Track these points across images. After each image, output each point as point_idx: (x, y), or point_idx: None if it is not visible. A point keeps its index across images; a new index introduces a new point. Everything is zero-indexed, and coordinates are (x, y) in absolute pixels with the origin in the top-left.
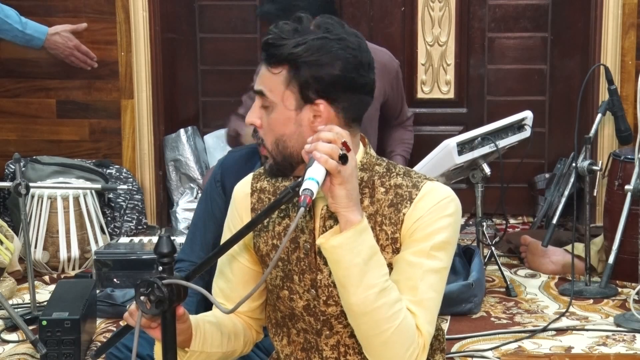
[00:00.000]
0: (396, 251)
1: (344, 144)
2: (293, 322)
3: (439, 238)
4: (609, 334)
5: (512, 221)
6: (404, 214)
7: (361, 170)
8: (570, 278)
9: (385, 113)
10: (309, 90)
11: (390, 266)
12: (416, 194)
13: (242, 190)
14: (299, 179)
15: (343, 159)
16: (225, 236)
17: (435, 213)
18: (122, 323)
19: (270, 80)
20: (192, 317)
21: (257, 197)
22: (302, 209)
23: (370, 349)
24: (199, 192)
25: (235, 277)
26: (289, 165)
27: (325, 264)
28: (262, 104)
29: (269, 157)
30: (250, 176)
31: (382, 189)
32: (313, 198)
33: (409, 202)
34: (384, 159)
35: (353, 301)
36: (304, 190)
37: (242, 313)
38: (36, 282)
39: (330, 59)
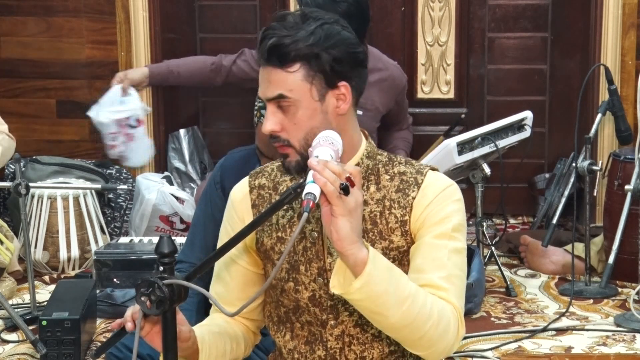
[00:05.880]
0: (405, 234)
1: (348, 179)
2: (297, 316)
3: (454, 221)
4: (609, 334)
5: (512, 221)
6: (412, 198)
7: (367, 158)
8: (570, 278)
9: (385, 122)
10: (333, 76)
11: (398, 249)
12: (422, 179)
13: (240, 191)
14: (301, 180)
15: (344, 190)
16: (222, 239)
17: (442, 199)
18: None
19: (288, 80)
20: (198, 331)
21: (257, 193)
22: (305, 214)
23: (420, 349)
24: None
25: (233, 280)
26: None
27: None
28: (280, 108)
29: (295, 155)
30: (247, 177)
31: (387, 176)
32: (316, 202)
33: (415, 187)
34: (384, 150)
35: (393, 321)
36: (307, 194)
37: (240, 315)
38: (36, 282)
39: (339, 41)
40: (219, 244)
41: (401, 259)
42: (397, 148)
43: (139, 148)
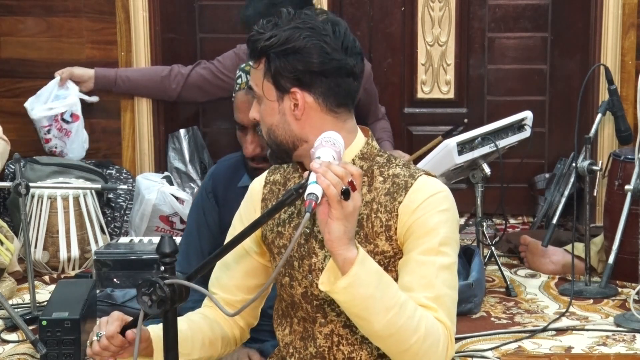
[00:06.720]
0: (389, 239)
1: (350, 182)
2: (294, 311)
3: (442, 233)
4: (609, 334)
5: (512, 221)
6: (399, 203)
7: (360, 159)
8: (570, 278)
9: (359, 115)
10: (282, 80)
11: (384, 254)
12: (412, 183)
13: (259, 183)
14: (302, 181)
15: (345, 194)
16: (235, 226)
17: (429, 207)
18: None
19: (254, 75)
20: (158, 328)
21: (269, 188)
22: (307, 214)
23: None
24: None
25: (237, 264)
26: (284, 152)
27: (321, 247)
28: (255, 98)
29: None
30: (267, 171)
31: (381, 178)
32: (318, 202)
33: (404, 191)
34: (387, 151)
35: (377, 328)
36: (308, 195)
37: (231, 303)
38: (36, 282)
39: (299, 48)
40: (230, 229)
41: (387, 264)
42: (382, 140)
43: (76, 142)
